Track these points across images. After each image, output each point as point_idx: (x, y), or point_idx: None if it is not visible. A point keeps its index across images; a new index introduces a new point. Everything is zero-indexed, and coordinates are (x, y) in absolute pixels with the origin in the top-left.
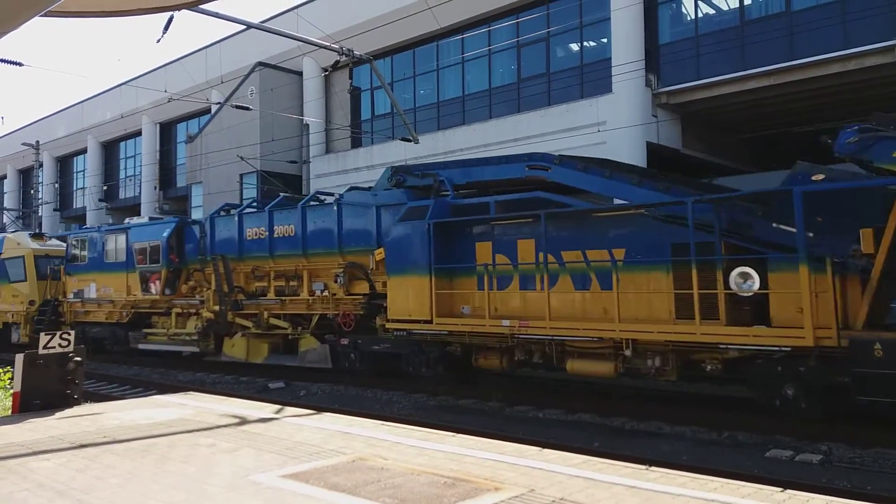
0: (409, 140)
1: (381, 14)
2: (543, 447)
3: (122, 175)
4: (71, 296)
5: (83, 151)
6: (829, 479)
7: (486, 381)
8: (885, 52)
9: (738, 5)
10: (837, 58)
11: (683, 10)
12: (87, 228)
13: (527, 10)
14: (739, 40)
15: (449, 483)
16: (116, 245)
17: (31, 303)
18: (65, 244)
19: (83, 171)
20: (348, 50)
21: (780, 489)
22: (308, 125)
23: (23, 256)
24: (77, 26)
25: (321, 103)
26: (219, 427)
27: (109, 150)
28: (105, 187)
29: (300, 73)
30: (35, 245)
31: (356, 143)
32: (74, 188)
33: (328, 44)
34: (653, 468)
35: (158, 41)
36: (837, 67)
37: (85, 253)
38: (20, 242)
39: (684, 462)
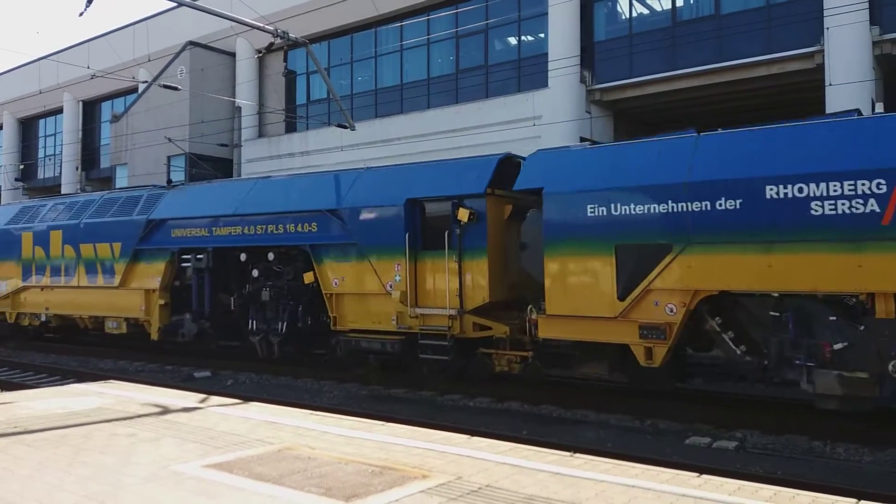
0: (345, 127)
1: None
2: (472, 435)
3: (41, 154)
4: None
5: None
6: (742, 465)
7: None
8: (806, 59)
9: (670, 6)
10: (762, 62)
11: (618, 8)
12: None
13: (466, 2)
14: (671, 41)
15: (376, 472)
16: None
17: None
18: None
19: None
20: (283, 32)
21: (697, 474)
22: (240, 108)
23: None
24: None
25: (254, 86)
26: (140, 416)
27: (27, 128)
28: (22, 166)
29: (233, 55)
30: None
31: (290, 127)
32: None
33: (262, 25)
34: (577, 455)
35: (81, 14)
36: (763, 71)
37: None
38: None
39: (608, 449)
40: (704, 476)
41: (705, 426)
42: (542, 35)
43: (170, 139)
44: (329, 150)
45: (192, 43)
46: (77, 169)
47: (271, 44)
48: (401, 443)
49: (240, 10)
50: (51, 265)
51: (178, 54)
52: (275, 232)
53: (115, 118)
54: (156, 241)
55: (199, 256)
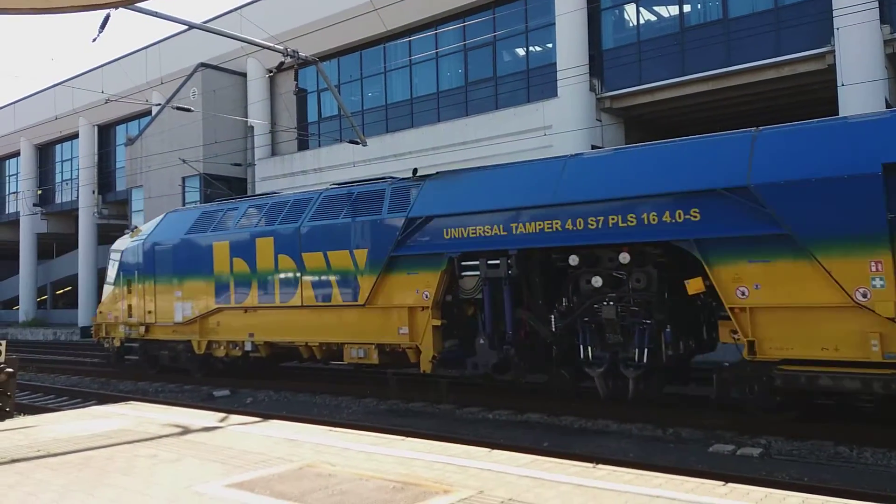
0: (357, 142)
1: (326, 15)
2: (493, 448)
3: (58, 179)
4: None
5: (16, 154)
6: (768, 472)
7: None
8: (817, 59)
9: (677, 12)
10: (772, 64)
11: (626, 16)
12: None
13: (473, 15)
14: (679, 46)
15: (398, 487)
16: None
17: None
18: None
19: (16, 174)
20: (293, 51)
21: (722, 483)
22: (253, 127)
23: None
24: (7, 24)
25: (266, 105)
26: (160, 437)
27: (44, 153)
28: (39, 191)
29: (244, 75)
30: None
31: (303, 145)
32: (7, 192)
33: (272, 45)
34: (599, 466)
35: (94, 40)
36: (772, 73)
37: None
38: None
39: (630, 459)
40: (730, 484)
41: (728, 433)
42: (549, 45)
43: (184, 160)
44: (342, 166)
45: (203, 65)
46: (94, 193)
47: (282, 63)
48: (421, 457)
49: (249, 30)
50: (258, 281)
51: (189, 76)
52: (622, 225)
53: (130, 141)
54: (421, 246)
55: (491, 262)
